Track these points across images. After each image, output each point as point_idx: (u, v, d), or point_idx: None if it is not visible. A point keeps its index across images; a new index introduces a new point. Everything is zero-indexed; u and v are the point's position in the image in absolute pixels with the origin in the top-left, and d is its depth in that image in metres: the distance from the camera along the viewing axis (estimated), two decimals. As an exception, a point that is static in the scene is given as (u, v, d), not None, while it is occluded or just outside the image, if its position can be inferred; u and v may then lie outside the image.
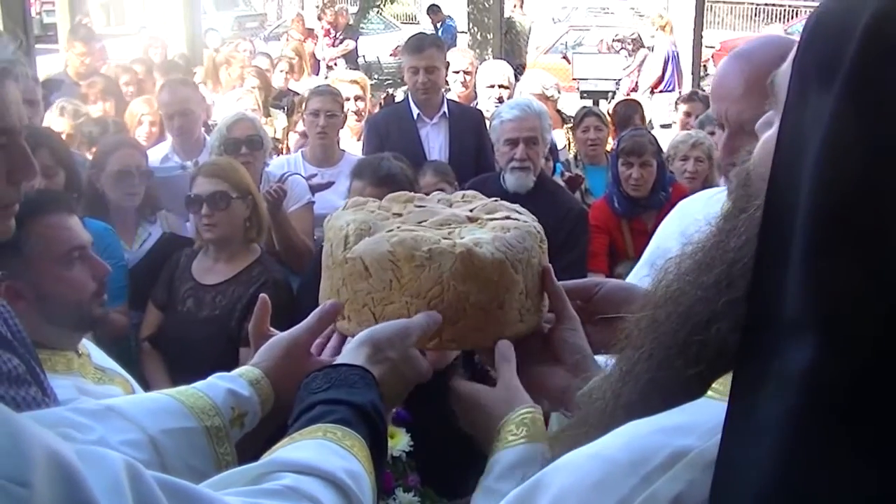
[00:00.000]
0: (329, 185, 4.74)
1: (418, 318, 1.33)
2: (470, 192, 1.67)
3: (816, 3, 0.78)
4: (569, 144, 6.30)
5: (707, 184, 4.61)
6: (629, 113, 6.72)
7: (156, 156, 4.92)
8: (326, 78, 9.88)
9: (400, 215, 1.50)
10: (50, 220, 2.30)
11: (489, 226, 1.47)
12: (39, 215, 2.29)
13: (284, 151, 6.33)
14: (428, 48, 5.39)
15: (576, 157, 6.03)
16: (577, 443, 0.87)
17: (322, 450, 1.07)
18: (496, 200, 1.60)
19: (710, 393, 0.80)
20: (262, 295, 1.53)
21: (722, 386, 0.80)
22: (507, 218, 1.51)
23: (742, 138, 1.85)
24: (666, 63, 11.81)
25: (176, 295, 3.71)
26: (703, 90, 8.44)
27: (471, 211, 1.54)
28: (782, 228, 0.70)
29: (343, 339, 1.45)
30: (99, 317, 2.37)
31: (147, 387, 2.90)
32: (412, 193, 1.61)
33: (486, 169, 4.77)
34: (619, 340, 1.03)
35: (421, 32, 7.77)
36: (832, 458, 0.64)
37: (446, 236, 1.42)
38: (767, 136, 0.87)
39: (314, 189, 4.62)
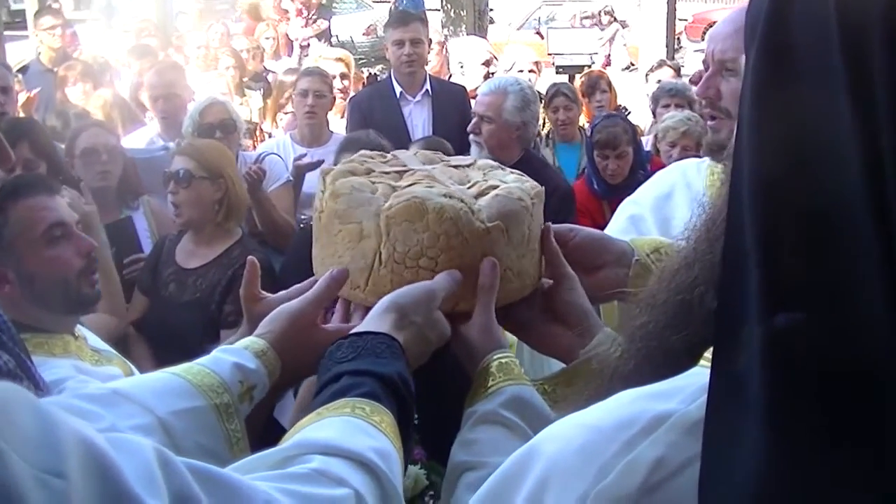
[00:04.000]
0: (319, 164, 4.69)
1: (441, 279, 1.29)
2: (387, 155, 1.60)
3: None
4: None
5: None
6: (593, 82, 6.66)
7: (141, 139, 4.85)
8: (306, 56, 9.76)
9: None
10: (27, 202, 2.28)
11: (494, 174, 1.51)
12: (16, 199, 2.27)
13: (258, 132, 6.26)
14: (413, 21, 5.39)
15: (548, 135, 5.97)
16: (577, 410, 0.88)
17: (350, 428, 1.03)
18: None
19: (702, 362, 0.79)
20: (250, 258, 1.48)
21: (711, 354, 0.79)
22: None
23: (718, 78, 1.94)
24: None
25: (160, 279, 3.67)
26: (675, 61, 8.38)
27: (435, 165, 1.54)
28: (741, 192, 0.69)
29: (347, 307, 1.41)
30: (89, 296, 2.32)
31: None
32: (364, 165, 1.52)
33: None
34: (628, 318, 1.04)
35: (403, 9, 7.77)
36: (814, 438, 0.62)
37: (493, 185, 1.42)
38: None
39: (305, 169, 4.56)
